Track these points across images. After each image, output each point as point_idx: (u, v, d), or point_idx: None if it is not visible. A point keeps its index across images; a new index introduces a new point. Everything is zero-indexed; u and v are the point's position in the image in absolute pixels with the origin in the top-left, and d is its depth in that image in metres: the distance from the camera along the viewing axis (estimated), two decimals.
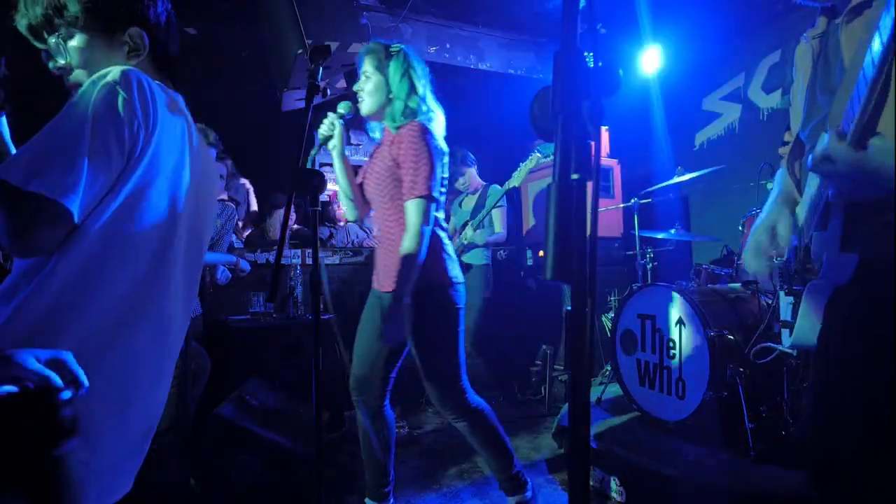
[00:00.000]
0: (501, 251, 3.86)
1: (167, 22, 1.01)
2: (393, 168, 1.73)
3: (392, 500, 1.97)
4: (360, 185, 1.92)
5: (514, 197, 3.60)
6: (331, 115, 1.76)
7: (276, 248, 1.31)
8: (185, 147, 0.95)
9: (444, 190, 1.82)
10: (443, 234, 1.83)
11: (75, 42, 0.93)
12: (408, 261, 1.65)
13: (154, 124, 0.84)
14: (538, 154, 3.05)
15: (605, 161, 3.78)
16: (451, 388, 1.79)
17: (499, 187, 3.27)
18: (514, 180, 3.05)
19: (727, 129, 3.96)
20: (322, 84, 1.38)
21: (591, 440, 2.24)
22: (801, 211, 1.14)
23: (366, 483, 1.95)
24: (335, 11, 2.98)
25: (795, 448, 1.91)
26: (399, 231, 1.75)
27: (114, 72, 0.82)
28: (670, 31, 3.75)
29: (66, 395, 0.48)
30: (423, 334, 1.76)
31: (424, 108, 1.79)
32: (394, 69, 1.77)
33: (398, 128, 1.75)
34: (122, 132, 0.80)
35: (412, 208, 1.68)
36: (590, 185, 0.56)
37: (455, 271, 1.83)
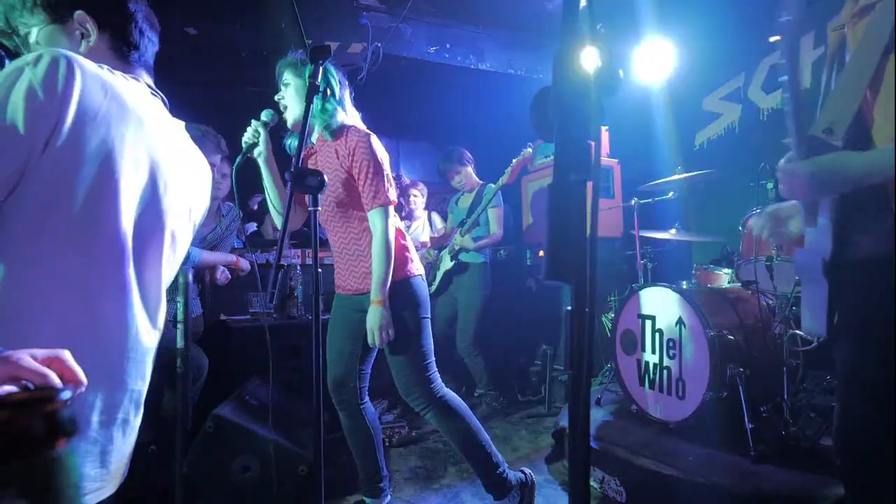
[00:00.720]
0: (501, 251, 3.86)
1: (123, 8, 0.99)
2: (345, 179, 1.76)
3: (388, 494, 2.00)
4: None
5: (512, 196, 3.60)
6: (254, 122, 1.78)
7: (275, 248, 1.31)
8: (129, 131, 0.90)
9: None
10: (400, 225, 1.90)
11: (33, 37, 0.94)
12: (384, 266, 1.73)
13: (64, 105, 0.79)
14: (529, 149, 3.07)
15: (605, 161, 3.78)
16: (417, 377, 1.84)
17: (493, 186, 3.27)
18: (505, 176, 3.07)
19: (727, 129, 3.96)
20: (322, 84, 1.38)
21: (591, 440, 2.24)
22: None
23: (360, 481, 1.99)
24: (335, 11, 2.98)
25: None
26: (358, 237, 1.82)
27: (26, 55, 0.80)
28: (671, 31, 3.75)
29: (66, 394, 0.48)
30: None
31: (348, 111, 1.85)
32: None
33: (336, 135, 1.78)
34: (23, 115, 0.76)
35: (377, 217, 1.75)
36: (590, 185, 0.56)
37: (414, 264, 1.89)
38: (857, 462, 0.98)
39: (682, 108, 4.17)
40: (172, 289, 2.32)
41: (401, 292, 1.80)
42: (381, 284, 1.72)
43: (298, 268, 3.16)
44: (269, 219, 4.26)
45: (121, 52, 1.00)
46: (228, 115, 3.84)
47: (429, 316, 1.89)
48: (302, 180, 1.23)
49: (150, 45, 1.05)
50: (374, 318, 1.72)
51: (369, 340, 1.75)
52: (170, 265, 1.03)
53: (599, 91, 0.59)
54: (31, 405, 0.46)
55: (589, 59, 0.59)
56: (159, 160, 0.97)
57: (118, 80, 0.91)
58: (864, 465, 0.97)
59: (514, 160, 3.10)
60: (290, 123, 1.85)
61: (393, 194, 1.78)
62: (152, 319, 0.98)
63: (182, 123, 1.10)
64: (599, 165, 3.13)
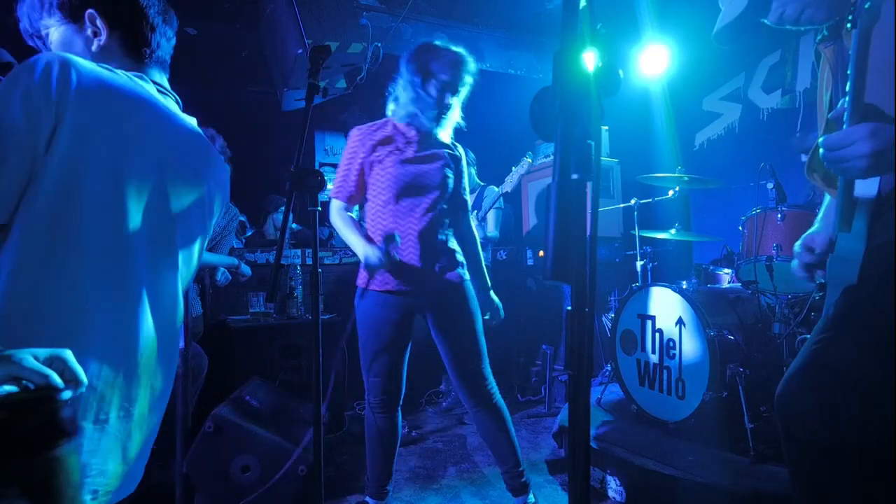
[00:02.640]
0: (501, 251, 3.86)
1: (134, 4, 0.99)
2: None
3: (390, 497, 1.99)
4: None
5: (512, 196, 3.59)
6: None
7: (275, 248, 1.31)
8: (134, 129, 0.90)
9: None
10: None
11: (51, 38, 0.95)
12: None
13: (60, 109, 0.79)
14: (529, 159, 3.07)
15: (605, 161, 3.78)
16: (481, 374, 1.88)
17: (496, 189, 3.27)
18: (507, 185, 3.07)
19: (727, 129, 3.96)
20: (322, 84, 1.38)
21: (591, 440, 2.24)
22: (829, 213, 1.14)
23: (367, 481, 1.96)
24: (335, 11, 2.98)
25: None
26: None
27: (25, 61, 0.81)
28: (671, 31, 3.75)
29: (67, 394, 0.48)
30: (475, 322, 1.89)
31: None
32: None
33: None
34: (15, 128, 0.76)
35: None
36: (589, 185, 0.56)
37: None
38: (843, 462, 0.97)
39: (682, 108, 4.17)
40: None
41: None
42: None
43: (298, 268, 3.16)
44: (271, 219, 4.26)
45: (132, 50, 0.99)
46: (228, 115, 3.85)
47: None
48: (302, 180, 1.23)
49: (163, 40, 1.03)
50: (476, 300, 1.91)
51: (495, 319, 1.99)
52: (187, 263, 1.03)
53: (599, 91, 0.59)
54: (31, 405, 0.46)
55: (589, 59, 0.59)
56: (168, 159, 0.96)
57: (120, 80, 0.91)
58: (851, 466, 0.96)
59: (514, 168, 3.09)
60: (438, 127, 1.93)
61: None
62: (167, 317, 0.97)
63: (195, 121, 1.09)
64: (599, 165, 3.12)
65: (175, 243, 0.99)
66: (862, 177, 0.96)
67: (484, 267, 2.05)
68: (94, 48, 0.96)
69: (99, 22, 0.95)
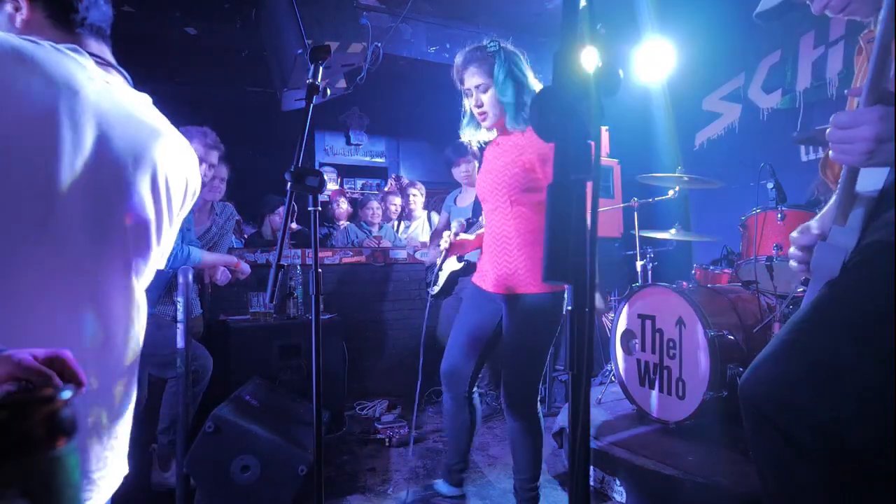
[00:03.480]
0: None
1: None
2: (521, 173, 1.77)
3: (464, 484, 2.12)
4: None
5: None
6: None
7: (275, 248, 1.31)
8: (58, 106, 0.81)
9: None
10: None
11: None
12: None
13: None
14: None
15: (605, 161, 3.78)
16: (533, 387, 1.87)
17: None
18: None
19: (727, 129, 3.96)
20: (322, 84, 1.38)
21: (591, 440, 2.24)
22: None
23: (444, 466, 2.09)
24: (335, 11, 2.98)
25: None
26: (518, 232, 1.81)
27: None
28: (670, 31, 3.75)
29: (66, 394, 0.48)
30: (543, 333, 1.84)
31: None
32: (498, 69, 1.78)
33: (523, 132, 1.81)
34: None
35: None
36: (589, 185, 0.56)
37: None
38: (806, 452, 0.96)
39: (682, 108, 4.17)
40: (172, 289, 2.32)
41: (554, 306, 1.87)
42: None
43: (298, 268, 3.16)
44: (268, 221, 4.26)
45: (60, 20, 0.91)
46: (228, 115, 3.85)
47: None
48: (302, 180, 1.23)
49: (93, 7, 0.94)
50: (540, 315, 1.83)
51: None
52: (141, 252, 0.95)
53: (599, 91, 0.59)
54: (31, 405, 0.46)
55: (589, 59, 0.59)
56: (109, 138, 0.87)
57: (42, 52, 0.81)
58: (814, 457, 0.95)
59: None
60: (487, 126, 1.85)
61: None
62: (117, 314, 0.90)
63: (146, 98, 1.00)
64: (599, 165, 3.13)
65: (123, 230, 0.90)
66: (860, 164, 0.92)
67: None
68: (17, 24, 0.89)
69: None
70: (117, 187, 0.90)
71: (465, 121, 1.92)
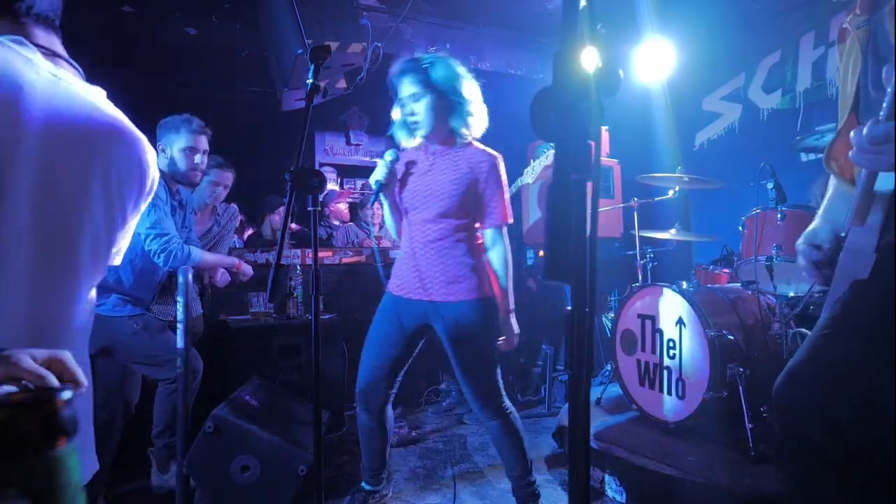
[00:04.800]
0: None
1: None
2: (465, 188, 1.82)
3: (388, 487, 2.09)
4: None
5: (512, 197, 3.60)
6: (386, 161, 1.86)
7: (275, 248, 1.31)
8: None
9: None
10: None
11: None
12: (510, 279, 1.94)
13: None
14: (552, 150, 3.02)
15: (605, 161, 3.78)
16: (493, 387, 1.87)
17: (512, 186, 3.24)
18: (527, 177, 3.03)
19: (727, 129, 3.96)
20: (322, 84, 1.38)
21: (591, 440, 2.24)
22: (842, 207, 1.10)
23: (362, 468, 2.04)
24: (335, 11, 2.98)
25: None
26: (458, 243, 1.86)
27: None
28: (671, 31, 3.75)
29: (66, 394, 0.48)
30: (478, 342, 1.87)
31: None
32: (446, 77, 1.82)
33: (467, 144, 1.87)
34: None
35: (503, 233, 1.95)
36: (590, 185, 0.56)
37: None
38: (836, 464, 0.96)
39: (682, 108, 4.17)
40: (172, 289, 2.32)
41: (494, 307, 1.90)
42: (508, 293, 1.93)
43: (298, 268, 3.16)
44: (268, 220, 4.27)
45: (2, 9, 0.84)
46: (228, 115, 3.85)
47: None
48: (302, 180, 1.23)
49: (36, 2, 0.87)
50: (509, 327, 1.90)
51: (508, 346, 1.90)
52: (92, 255, 0.90)
53: (599, 91, 0.59)
54: (31, 405, 0.46)
55: (589, 59, 0.59)
56: (58, 134, 0.83)
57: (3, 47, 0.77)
58: (844, 469, 0.95)
59: (535, 161, 3.06)
60: (422, 135, 1.86)
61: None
62: (54, 315, 0.85)
63: (99, 92, 0.94)
64: (599, 165, 3.13)
65: (72, 234, 0.86)
66: (889, 171, 0.91)
67: None
68: None
69: None
70: (69, 186, 0.85)
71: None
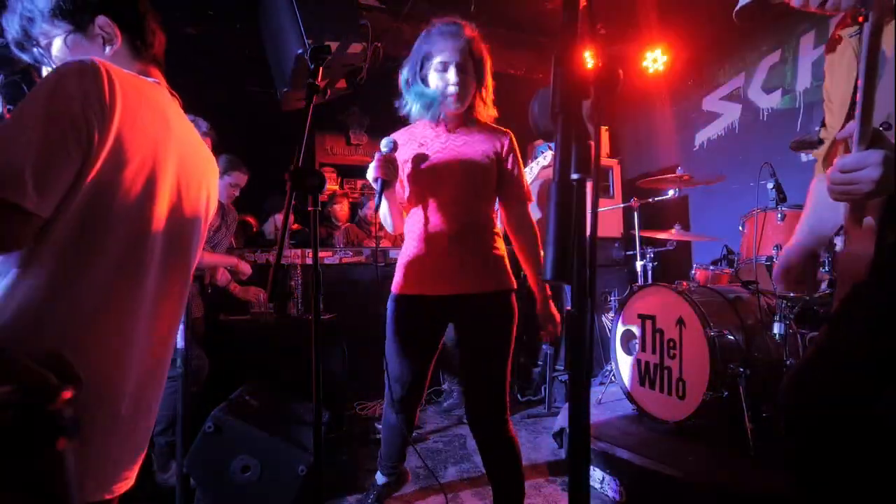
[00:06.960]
0: None
1: (136, 7, 0.98)
2: (491, 165, 1.66)
3: (400, 477, 2.08)
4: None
5: None
6: (383, 154, 1.62)
7: (275, 248, 1.31)
8: (162, 137, 0.91)
9: None
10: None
11: (55, 47, 0.93)
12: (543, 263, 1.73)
13: (111, 113, 0.80)
14: (550, 150, 3.03)
15: (605, 161, 3.78)
16: (503, 397, 1.71)
17: None
18: (526, 177, 3.03)
19: (727, 129, 3.96)
20: (322, 84, 1.38)
21: (591, 440, 2.24)
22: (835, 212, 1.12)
23: (380, 461, 2.02)
24: (335, 11, 2.98)
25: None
26: (484, 229, 1.71)
27: (69, 63, 0.79)
28: (671, 31, 3.76)
29: (66, 394, 0.48)
30: (508, 337, 1.73)
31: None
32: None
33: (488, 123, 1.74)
34: (76, 123, 0.76)
35: (530, 211, 1.78)
36: (590, 185, 0.56)
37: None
38: (845, 462, 0.98)
39: (682, 108, 4.17)
40: None
41: (514, 304, 1.75)
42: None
43: (298, 268, 3.16)
44: (272, 219, 4.26)
45: (138, 52, 0.98)
46: (228, 115, 3.84)
47: None
48: (302, 180, 1.23)
49: (157, 40, 1.02)
50: (550, 315, 1.74)
51: (551, 337, 1.76)
52: (190, 266, 1.04)
53: (599, 91, 0.59)
54: (31, 405, 0.46)
55: (589, 59, 0.59)
56: (183, 163, 0.96)
57: (145, 85, 0.90)
58: (853, 466, 0.97)
59: (534, 161, 3.06)
60: (455, 107, 1.68)
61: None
62: (167, 324, 0.97)
63: (189, 121, 1.08)
64: (599, 165, 3.12)
65: (190, 249, 1.00)
66: (863, 200, 0.99)
67: None
68: (107, 53, 0.94)
69: (112, 28, 0.94)
70: (191, 220, 1.00)
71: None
